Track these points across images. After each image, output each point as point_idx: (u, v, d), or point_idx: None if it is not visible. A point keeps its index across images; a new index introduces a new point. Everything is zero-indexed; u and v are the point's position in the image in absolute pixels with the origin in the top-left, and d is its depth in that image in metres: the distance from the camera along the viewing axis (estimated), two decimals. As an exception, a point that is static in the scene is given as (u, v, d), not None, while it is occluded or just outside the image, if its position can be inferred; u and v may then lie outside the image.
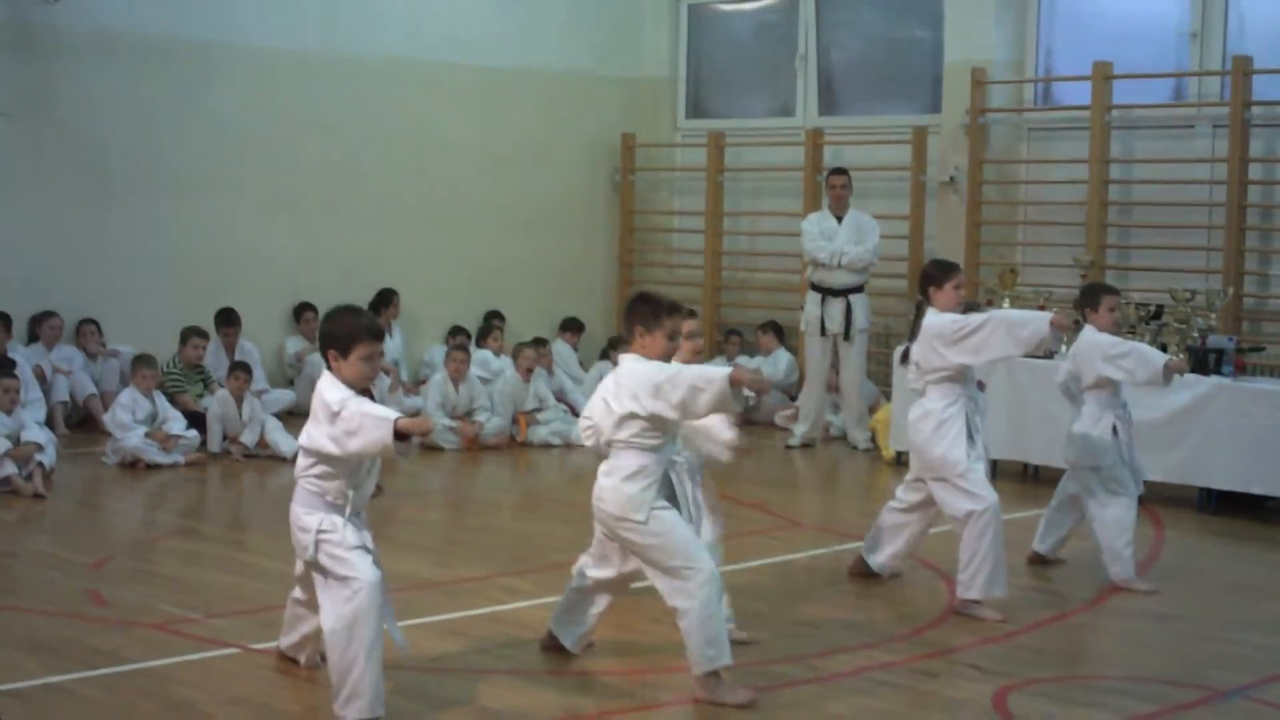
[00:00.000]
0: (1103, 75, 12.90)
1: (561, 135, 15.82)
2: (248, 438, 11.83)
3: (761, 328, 14.59)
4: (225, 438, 11.85)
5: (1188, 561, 8.94)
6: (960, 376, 7.64)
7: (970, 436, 7.58)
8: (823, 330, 12.93)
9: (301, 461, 5.87)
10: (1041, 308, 11.50)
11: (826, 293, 12.93)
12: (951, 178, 13.92)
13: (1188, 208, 12.65)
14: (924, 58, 14.79)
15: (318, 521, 5.79)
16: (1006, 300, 11.82)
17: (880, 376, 13.46)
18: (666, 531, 6.05)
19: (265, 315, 13.86)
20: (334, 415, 5.60)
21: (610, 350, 14.26)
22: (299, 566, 6.04)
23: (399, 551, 8.73)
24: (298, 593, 6.19)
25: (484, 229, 15.29)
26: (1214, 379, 10.24)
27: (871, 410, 12.94)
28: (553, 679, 6.39)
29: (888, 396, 12.46)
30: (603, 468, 6.23)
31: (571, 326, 15.00)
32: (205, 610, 7.32)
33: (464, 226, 15.17)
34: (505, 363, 13.64)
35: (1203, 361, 10.38)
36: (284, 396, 13.10)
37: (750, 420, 13.82)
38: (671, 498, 6.17)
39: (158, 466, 11.26)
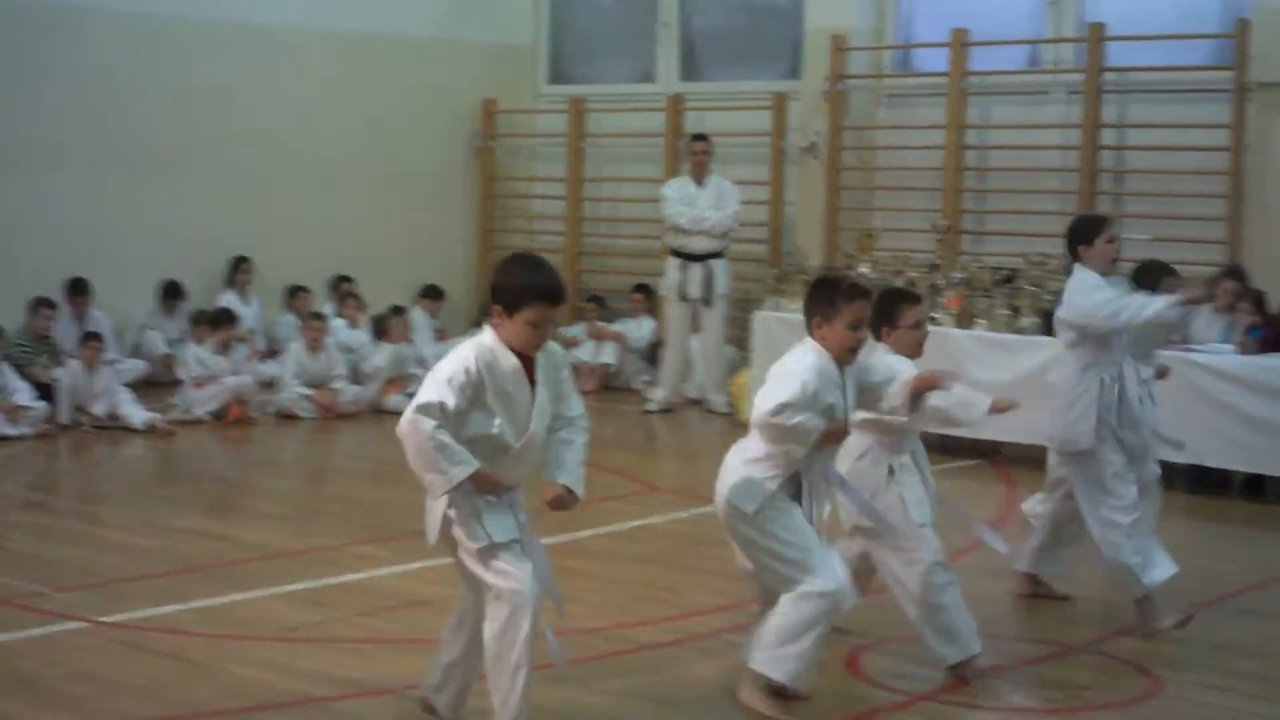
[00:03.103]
0: (960, 42, 13.02)
1: (421, 101, 15.65)
2: (99, 409, 11.58)
3: (633, 290, 14.58)
4: (76, 409, 11.60)
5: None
6: (1101, 342, 6.86)
7: (1100, 417, 6.79)
8: (684, 295, 12.96)
9: None
10: (899, 273, 11.64)
11: (687, 258, 12.96)
12: (812, 143, 13.99)
13: (1043, 173, 12.82)
14: (785, 24, 14.83)
15: (446, 500, 5.11)
16: (865, 265, 11.91)
17: (740, 341, 13.50)
18: (779, 532, 5.57)
19: (118, 284, 13.54)
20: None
21: (483, 319, 14.13)
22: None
23: (254, 521, 8.66)
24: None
25: (343, 196, 15.08)
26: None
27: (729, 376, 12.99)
28: (410, 647, 6.32)
29: (747, 361, 12.50)
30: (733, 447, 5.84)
31: (431, 294, 14.86)
32: (53, 584, 7.16)
33: (322, 193, 14.95)
34: (359, 334, 13.51)
35: (1055, 324, 10.50)
36: (135, 366, 12.85)
37: (612, 387, 13.88)
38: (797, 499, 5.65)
39: (4, 438, 10.96)
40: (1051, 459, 7.27)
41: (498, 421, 5.01)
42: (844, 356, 5.60)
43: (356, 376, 12.87)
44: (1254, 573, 7.85)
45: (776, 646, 5.51)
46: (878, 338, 6.13)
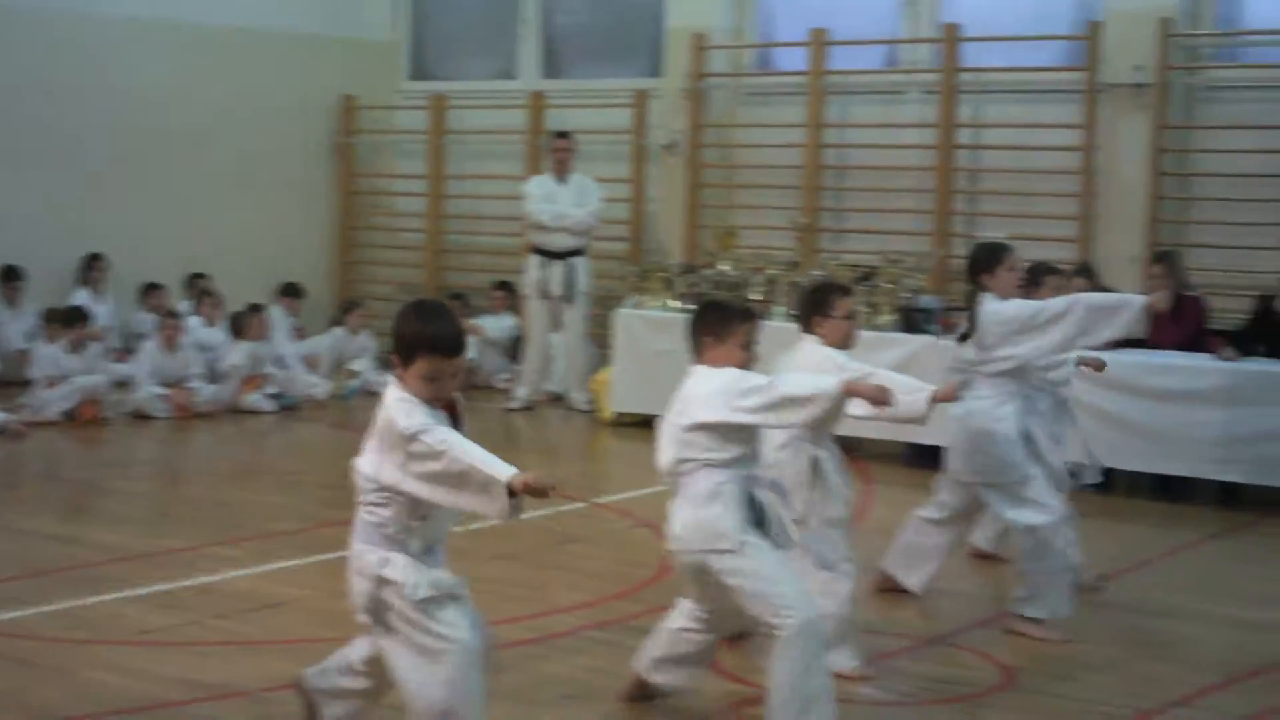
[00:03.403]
0: (819, 41, 13.16)
1: (279, 96, 15.48)
2: (-53, 408, 11.34)
3: (494, 287, 14.57)
4: (-77, 408, 11.34)
5: (894, 514, 9.12)
6: (1022, 371, 6.89)
7: (1030, 439, 6.86)
8: (545, 293, 12.96)
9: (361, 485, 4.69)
10: (759, 270, 11.73)
11: (548, 255, 12.96)
12: (673, 141, 14.06)
13: (900, 171, 12.98)
14: (646, 22, 14.87)
15: (375, 561, 4.63)
16: (728, 264, 11.98)
17: (601, 339, 13.53)
18: (759, 568, 5.17)
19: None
20: (408, 442, 4.46)
21: (344, 316, 14.01)
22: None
23: (107, 523, 8.51)
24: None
25: (199, 191, 14.87)
26: (922, 337, 10.54)
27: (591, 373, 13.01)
28: (265, 648, 6.27)
29: (608, 359, 12.52)
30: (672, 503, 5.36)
31: (290, 292, 14.69)
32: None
33: (178, 189, 14.73)
34: (215, 333, 13.32)
35: (911, 321, 10.68)
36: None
37: (474, 385, 13.81)
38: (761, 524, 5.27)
39: None
40: (956, 489, 7.19)
41: None
42: None
43: (213, 375, 12.70)
44: (1103, 565, 7.99)
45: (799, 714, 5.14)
46: (809, 329, 6.07)
